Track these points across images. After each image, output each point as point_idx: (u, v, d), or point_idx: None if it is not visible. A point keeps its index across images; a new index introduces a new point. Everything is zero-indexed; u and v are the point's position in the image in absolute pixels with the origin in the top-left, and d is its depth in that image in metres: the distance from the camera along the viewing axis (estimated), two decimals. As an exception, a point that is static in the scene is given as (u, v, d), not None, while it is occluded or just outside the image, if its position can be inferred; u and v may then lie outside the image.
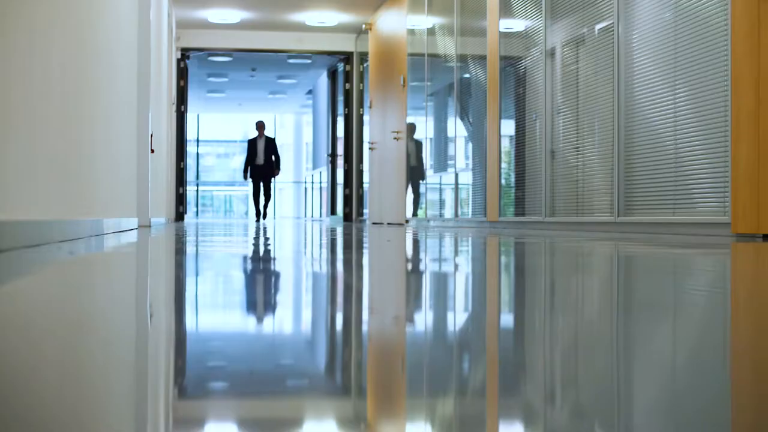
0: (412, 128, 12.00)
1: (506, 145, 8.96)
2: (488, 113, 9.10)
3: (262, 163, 15.63)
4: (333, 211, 16.71)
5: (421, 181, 11.70)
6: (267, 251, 3.46)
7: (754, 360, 0.98)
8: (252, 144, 15.69)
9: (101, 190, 5.33)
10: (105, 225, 5.29)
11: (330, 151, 16.79)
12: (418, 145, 11.88)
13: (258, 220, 15.54)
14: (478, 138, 9.63)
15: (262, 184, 15.72)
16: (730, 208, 5.15)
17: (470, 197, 9.88)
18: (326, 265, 2.60)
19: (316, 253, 3.32)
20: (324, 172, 18.75)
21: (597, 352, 1.03)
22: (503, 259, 2.96)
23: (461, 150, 10.38)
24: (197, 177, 27.95)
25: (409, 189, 11.99)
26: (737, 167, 5.07)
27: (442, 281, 2.05)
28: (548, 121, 7.84)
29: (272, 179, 15.67)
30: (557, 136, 7.72)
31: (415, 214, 11.76)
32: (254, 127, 15.86)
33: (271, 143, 15.69)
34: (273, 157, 15.66)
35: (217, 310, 1.47)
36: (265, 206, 15.69)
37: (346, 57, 15.31)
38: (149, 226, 7.92)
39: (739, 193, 5.05)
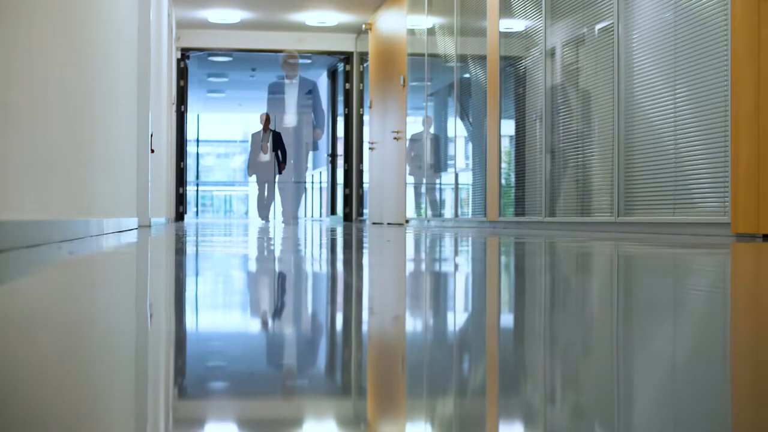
0: (428, 122, 11.71)
1: (506, 145, 8.95)
2: (488, 113, 9.09)
3: (267, 159, 15.08)
4: (333, 211, 16.69)
5: (436, 180, 11.26)
6: (267, 251, 3.46)
7: (755, 360, 0.98)
8: (256, 138, 15.27)
9: (101, 190, 5.33)
10: (105, 225, 5.29)
11: (330, 151, 16.77)
12: (436, 140, 11.37)
13: (262, 219, 15.20)
14: (478, 138, 9.63)
15: (267, 183, 15.16)
16: (730, 208, 5.15)
17: (470, 197, 9.87)
18: (326, 265, 2.60)
19: (317, 253, 3.32)
20: (324, 172, 18.74)
21: (597, 351, 1.03)
22: (503, 259, 2.96)
23: (461, 150, 10.38)
24: (197, 177, 27.91)
25: (422, 188, 11.56)
26: (737, 167, 5.07)
27: (442, 281, 2.05)
28: (548, 121, 7.84)
29: (276, 177, 15.20)
30: (557, 136, 7.72)
31: (424, 215, 11.58)
32: (258, 120, 15.34)
33: (277, 138, 15.19)
34: (279, 152, 15.13)
35: (217, 310, 1.47)
36: (267, 208, 15.19)
37: (346, 57, 15.29)
38: (149, 226, 7.92)
39: (739, 193, 5.05)
